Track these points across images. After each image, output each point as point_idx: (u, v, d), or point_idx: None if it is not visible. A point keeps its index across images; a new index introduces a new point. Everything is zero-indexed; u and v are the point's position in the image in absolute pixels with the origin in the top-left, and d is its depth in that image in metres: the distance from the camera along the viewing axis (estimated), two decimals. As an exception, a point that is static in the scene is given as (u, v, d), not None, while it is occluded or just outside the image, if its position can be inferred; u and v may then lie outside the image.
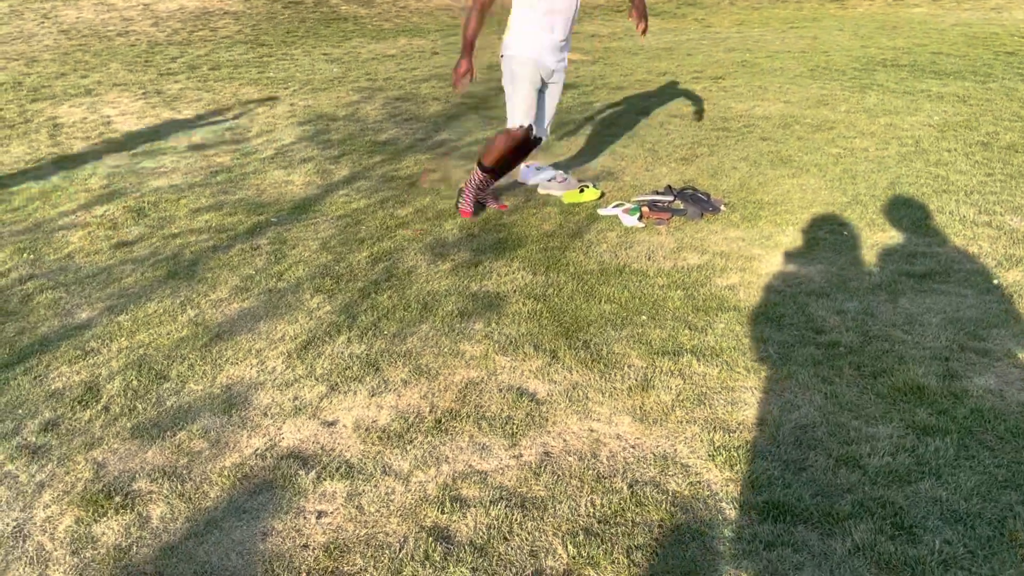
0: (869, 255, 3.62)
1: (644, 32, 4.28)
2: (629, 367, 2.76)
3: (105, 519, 2.12)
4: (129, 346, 3.03)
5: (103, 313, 3.32)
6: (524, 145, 4.20)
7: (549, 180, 4.75)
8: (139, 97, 7.76)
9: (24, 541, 2.05)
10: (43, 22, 12.70)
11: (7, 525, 2.11)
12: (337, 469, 2.28)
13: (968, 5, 14.42)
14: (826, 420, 2.40)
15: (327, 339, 3.02)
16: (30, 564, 1.98)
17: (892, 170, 4.77)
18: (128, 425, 2.53)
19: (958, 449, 2.23)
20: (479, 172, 4.26)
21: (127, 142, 6.18)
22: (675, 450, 2.31)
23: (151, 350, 2.99)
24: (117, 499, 2.19)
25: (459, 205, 4.36)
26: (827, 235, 3.86)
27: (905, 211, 4.11)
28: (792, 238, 3.84)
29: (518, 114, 4.09)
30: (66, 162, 5.66)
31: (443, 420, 2.49)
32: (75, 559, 1.99)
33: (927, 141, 5.36)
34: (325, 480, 2.24)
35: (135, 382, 2.77)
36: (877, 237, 3.81)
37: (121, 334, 3.13)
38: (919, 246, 3.68)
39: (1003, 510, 2.00)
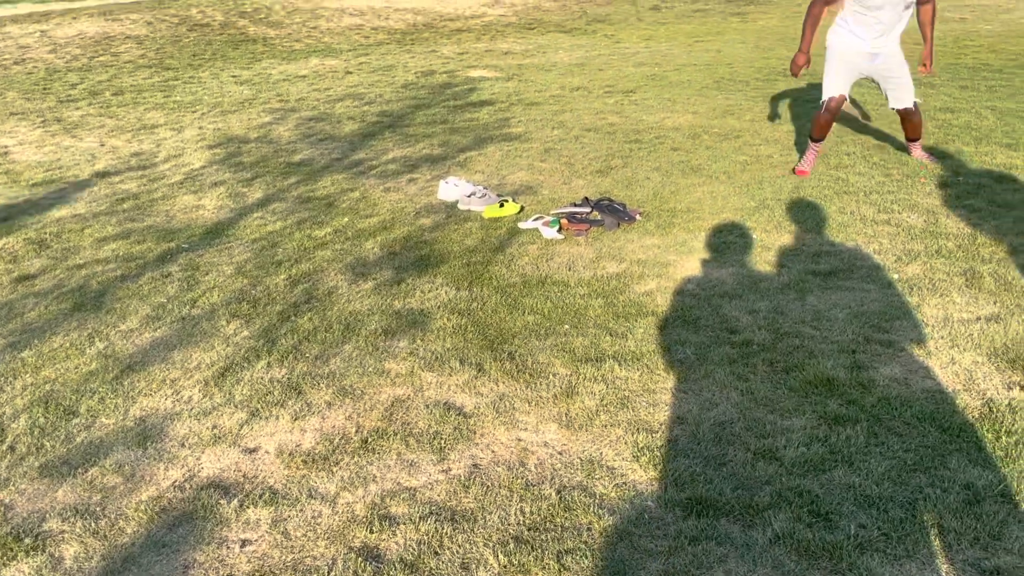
0: (777, 256, 3.75)
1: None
2: (554, 375, 2.78)
3: (15, 563, 2.02)
4: (34, 383, 2.90)
5: (5, 350, 3.17)
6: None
7: (469, 196, 4.77)
8: (38, 126, 7.47)
9: (-75, 593, 1.94)
10: (-70, 50, 12.11)
11: (-95, 578, 1.99)
12: (260, 496, 2.23)
13: (860, 17, 15.13)
14: (743, 416, 2.47)
15: (246, 365, 2.96)
16: (-68, 617, 1.87)
17: (796, 175, 4.96)
18: (36, 464, 2.42)
19: (868, 436, 2.33)
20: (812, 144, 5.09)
21: (26, 172, 5.94)
22: (601, 453, 2.34)
23: (58, 385, 2.87)
24: (27, 541, 2.09)
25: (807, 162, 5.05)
26: (737, 239, 3.98)
27: (809, 213, 4.28)
28: (705, 243, 3.95)
29: (826, 90, 5.00)
30: (-40, 195, 5.39)
31: (370, 440, 2.46)
32: (-18, 608, 1.89)
33: (827, 146, 5.59)
34: (248, 508, 2.18)
35: (42, 419, 2.65)
36: (784, 239, 3.95)
37: (25, 371, 2.99)
38: (824, 246, 3.83)
39: (913, 493, 2.09)
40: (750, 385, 2.65)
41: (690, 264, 3.71)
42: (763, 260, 3.71)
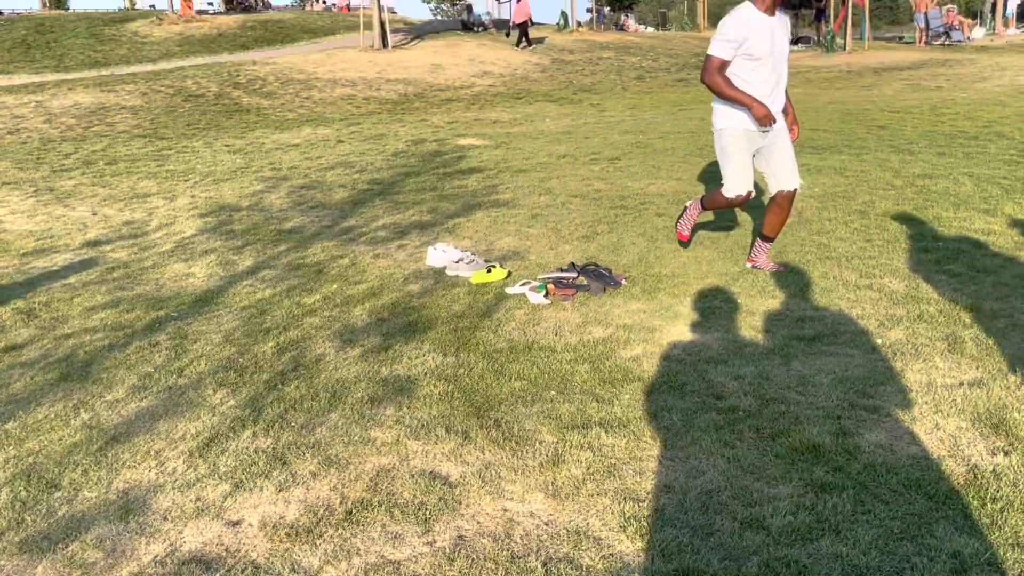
0: (762, 321, 3.78)
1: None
2: (540, 443, 2.78)
3: (-12, 644, 1.97)
4: (17, 455, 2.87)
5: (-11, 421, 3.14)
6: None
7: (457, 261, 4.82)
8: (30, 195, 7.54)
9: None
10: (-74, 121, 12.26)
11: None
12: (243, 571, 2.20)
13: (841, 84, 15.57)
14: (730, 484, 2.46)
15: (231, 435, 2.94)
16: None
17: (779, 240, 5.04)
18: (16, 539, 2.38)
19: (855, 504, 2.32)
20: (694, 208, 4.70)
21: (16, 241, 5.97)
22: (587, 524, 2.32)
23: (41, 457, 2.85)
24: (2, 621, 2.05)
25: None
26: (722, 304, 4.02)
27: (793, 278, 4.34)
28: (690, 308, 3.99)
29: (729, 184, 4.38)
30: (-51, 264, 5.41)
31: (354, 511, 2.44)
32: None
33: (809, 211, 5.70)
34: (230, 582, 2.15)
35: (24, 493, 2.62)
36: (768, 304, 4.00)
37: (9, 443, 2.97)
38: (807, 311, 3.87)
39: (900, 562, 2.08)
40: (736, 452, 2.65)
41: (676, 329, 3.74)
42: (748, 325, 3.74)
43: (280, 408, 3.13)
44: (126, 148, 10.29)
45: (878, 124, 9.72)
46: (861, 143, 8.42)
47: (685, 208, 4.75)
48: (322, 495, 2.54)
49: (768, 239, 4.51)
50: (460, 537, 2.30)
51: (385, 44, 20.83)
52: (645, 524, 2.29)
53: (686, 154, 8.25)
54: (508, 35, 23.77)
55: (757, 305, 3.99)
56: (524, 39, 22.24)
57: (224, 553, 2.28)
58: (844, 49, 20.84)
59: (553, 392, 3.17)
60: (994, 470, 2.46)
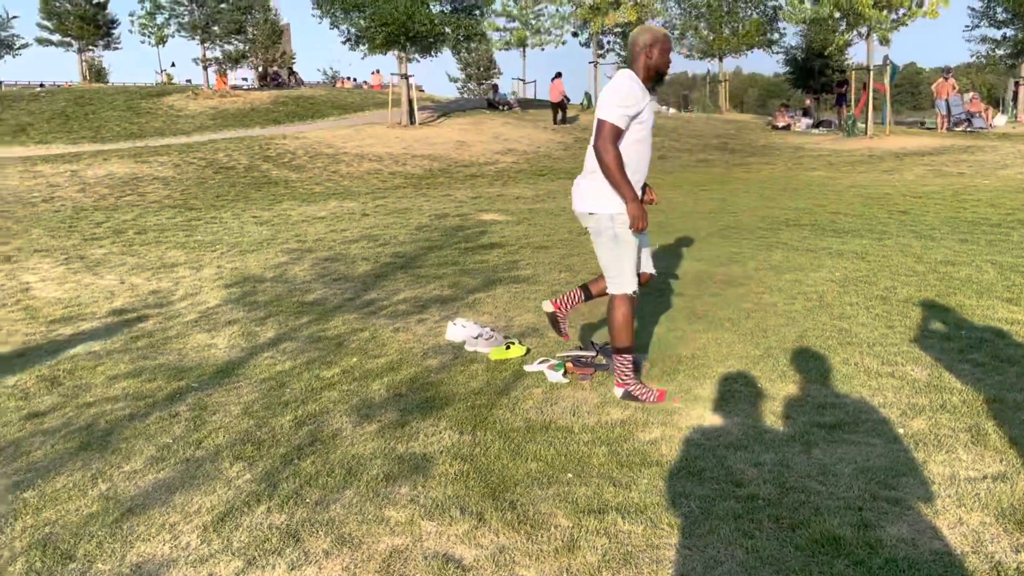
0: (782, 407, 3.75)
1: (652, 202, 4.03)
2: (555, 527, 2.75)
3: None
4: (34, 524, 2.88)
5: (8, 490, 3.16)
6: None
7: (476, 337, 4.84)
8: (60, 263, 7.71)
9: None
10: (-34, 188, 12.65)
11: None
12: (252, 651, 2.17)
13: (862, 168, 15.70)
14: (749, 576, 2.42)
15: (246, 509, 2.94)
16: None
17: (800, 324, 5.03)
18: (26, 612, 2.37)
19: (876, 601, 2.27)
20: (622, 358, 3.90)
21: (45, 308, 6.09)
22: (602, 614, 2.28)
23: (58, 528, 2.85)
24: None
25: (649, 400, 3.84)
26: (742, 387, 4.00)
27: (813, 363, 4.31)
28: (710, 391, 3.97)
29: (629, 278, 3.85)
30: (-21, 329, 5.51)
31: (365, 592, 2.42)
32: None
33: (830, 296, 5.70)
34: (239, 664, 2.12)
35: (39, 563, 2.62)
36: (789, 389, 3.97)
37: (27, 512, 2.98)
38: (828, 397, 3.84)
39: (924, 662, 2.02)
40: (755, 543, 2.60)
41: (695, 412, 3.72)
42: (768, 410, 3.72)
43: (295, 483, 3.13)
44: (156, 218, 10.53)
45: (900, 209, 9.76)
46: (883, 228, 8.45)
47: (619, 375, 3.96)
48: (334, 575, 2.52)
49: (586, 299, 4.23)
50: (472, 624, 2.26)
51: (412, 121, 21.37)
52: (661, 616, 2.25)
53: (707, 235, 8.31)
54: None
55: (777, 390, 3.96)
56: (561, 116, 23.09)
57: (234, 633, 2.25)
58: (865, 134, 21.09)
59: (570, 474, 3.15)
60: (1018, 567, 2.39)
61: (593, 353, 4.49)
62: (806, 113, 26.99)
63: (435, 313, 5.66)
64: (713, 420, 3.62)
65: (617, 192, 3.70)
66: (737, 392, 3.95)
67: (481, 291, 6.26)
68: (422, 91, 32.65)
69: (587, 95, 29.04)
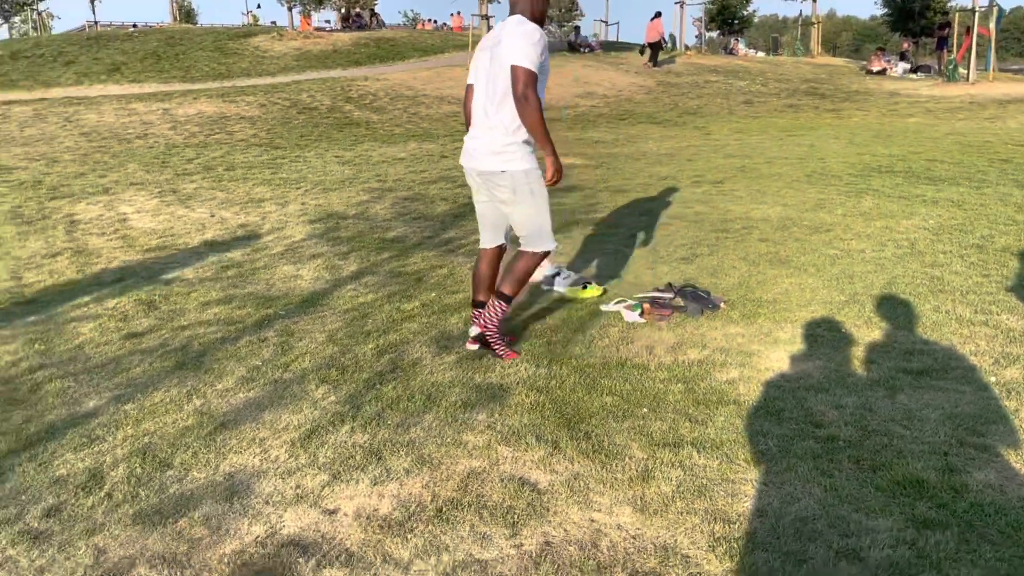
0: (866, 352, 3.66)
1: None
2: (630, 458, 2.77)
3: (103, 605, 2.11)
4: (135, 434, 3.06)
5: (110, 402, 3.36)
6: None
7: (552, 277, 4.86)
8: (155, 196, 8.00)
9: (20, 627, 2.04)
10: (65, 125, 13.19)
11: (4, 610, 2.10)
12: (337, 557, 2.28)
13: (962, 115, 14.92)
14: (826, 513, 2.40)
15: (331, 428, 3.05)
16: (25, 650, 1.96)
17: (889, 270, 4.87)
18: (130, 512, 2.53)
19: (959, 543, 2.23)
20: (503, 304, 3.72)
21: (141, 238, 6.35)
22: (675, 541, 2.30)
23: (156, 438, 3.02)
24: (116, 585, 2.18)
25: (500, 355, 3.70)
26: (825, 332, 3.92)
27: (902, 310, 4.18)
28: (791, 335, 3.90)
29: (549, 235, 3.69)
30: (81, 257, 5.80)
31: (444, 509, 2.50)
32: (71, 645, 1.97)
33: (923, 243, 5.49)
34: (324, 568, 2.23)
35: (139, 469, 2.79)
36: (874, 335, 3.87)
37: (127, 423, 3.16)
38: (916, 344, 3.73)
39: (1006, 605, 1.98)
40: (834, 481, 2.58)
41: (775, 355, 3.67)
42: (852, 355, 3.63)
43: (377, 407, 3.23)
44: (243, 155, 10.80)
45: (1001, 157, 9.27)
46: (981, 176, 8.05)
47: (487, 314, 3.71)
48: (414, 492, 2.60)
49: (506, 296, 3.73)
50: (547, 543, 2.32)
51: (492, 63, 21.18)
52: (735, 546, 2.26)
53: (793, 180, 8.07)
54: (642, 52, 24.01)
55: (863, 335, 3.86)
56: (654, 58, 22.61)
57: (320, 539, 2.37)
58: (967, 79, 19.96)
59: (645, 409, 3.16)
60: (1116, 520, 2.31)
61: (671, 295, 4.45)
62: (903, 57, 25.69)
63: (511, 253, 5.67)
64: (793, 363, 3.57)
65: (541, 144, 3.43)
66: (820, 336, 3.87)
67: (558, 233, 6.24)
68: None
69: (672, 36, 28.24)
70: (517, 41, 3.37)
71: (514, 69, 3.35)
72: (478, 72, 3.60)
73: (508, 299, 3.71)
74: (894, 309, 4.20)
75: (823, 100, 18.31)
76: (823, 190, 7.48)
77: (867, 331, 3.92)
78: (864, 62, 26.31)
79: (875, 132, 12.48)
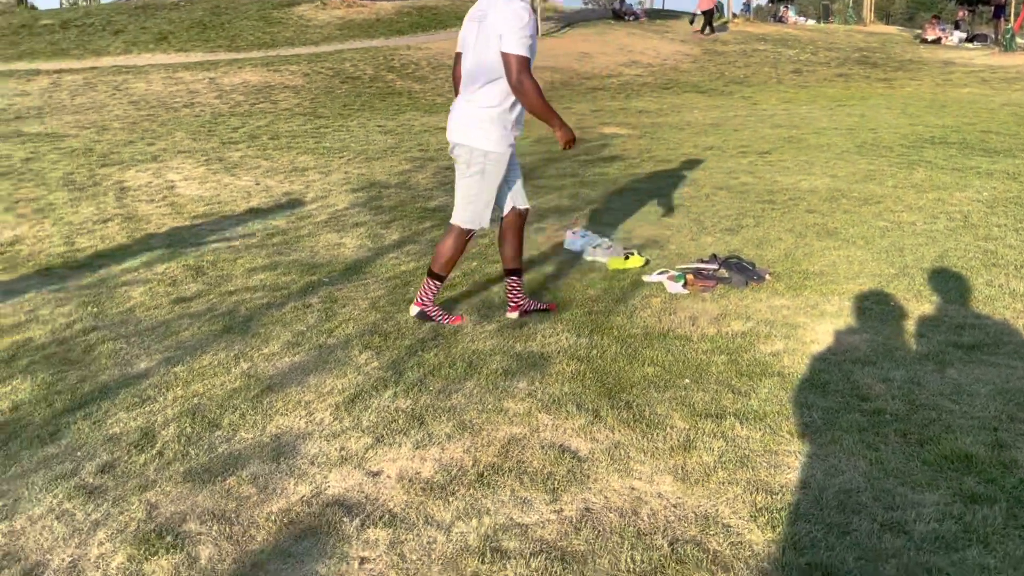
0: (916, 325, 3.59)
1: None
2: (671, 428, 2.77)
3: (155, 558, 2.18)
4: (184, 395, 3.13)
5: (160, 364, 3.44)
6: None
7: (595, 247, 4.83)
8: (202, 164, 8.12)
9: (78, 576, 2.12)
10: (115, 93, 13.41)
11: (63, 560, 2.18)
12: (380, 518, 2.32)
13: (1019, 86, 14.43)
14: (871, 485, 2.37)
15: (374, 393, 3.09)
16: (82, 598, 2.04)
17: (940, 243, 4.76)
18: (180, 469, 2.60)
19: (1007, 518, 2.19)
20: (433, 282, 3.81)
21: (189, 205, 6.46)
22: (717, 510, 2.30)
23: (205, 399, 3.09)
24: (168, 539, 2.25)
25: (444, 322, 3.81)
26: (873, 305, 3.85)
27: (953, 283, 4.09)
28: (838, 307, 3.84)
29: (480, 217, 3.74)
30: (131, 223, 5.92)
31: (485, 474, 2.52)
32: (125, 595, 2.04)
33: (976, 216, 5.34)
34: (368, 528, 2.27)
35: (188, 429, 2.86)
36: (924, 308, 3.79)
37: (177, 384, 3.24)
38: (967, 318, 3.65)
39: (1056, 582, 1.95)
40: (880, 455, 2.54)
41: (821, 327, 3.62)
42: (901, 328, 3.57)
43: (420, 373, 3.26)
44: (287, 125, 10.88)
45: (1061, 128, 8.96)
46: (1040, 147, 7.79)
47: (424, 291, 3.83)
48: (456, 456, 2.63)
49: (519, 272, 3.89)
50: (587, 509, 2.33)
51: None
52: (777, 516, 2.25)
53: (842, 151, 7.89)
54: (692, 21, 23.63)
55: (912, 308, 3.79)
56: (708, 26, 22.19)
57: (364, 500, 2.41)
58: (1026, 48, 19.26)
59: (687, 380, 3.14)
60: None
61: (716, 266, 4.40)
62: (958, 26, 24.85)
63: (553, 223, 5.66)
64: (840, 336, 3.51)
65: (548, 120, 3.51)
66: (868, 309, 3.80)
67: (601, 203, 6.21)
68: (546, 1, 31.90)
69: (719, 3, 27.61)
70: (506, 26, 3.38)
71: (506, 58, 3.38)
72: (466, 43, 3.62)
73: (440, 278, 3.80)
74: (945, 282, 4.11)
75: (875, 69, 17.83)
76: (873, 161, 7.31)
77: (917, 304, 3.84)
78: (918, 30, 25.51)
79: (928, 102, 12.14)
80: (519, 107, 3.56)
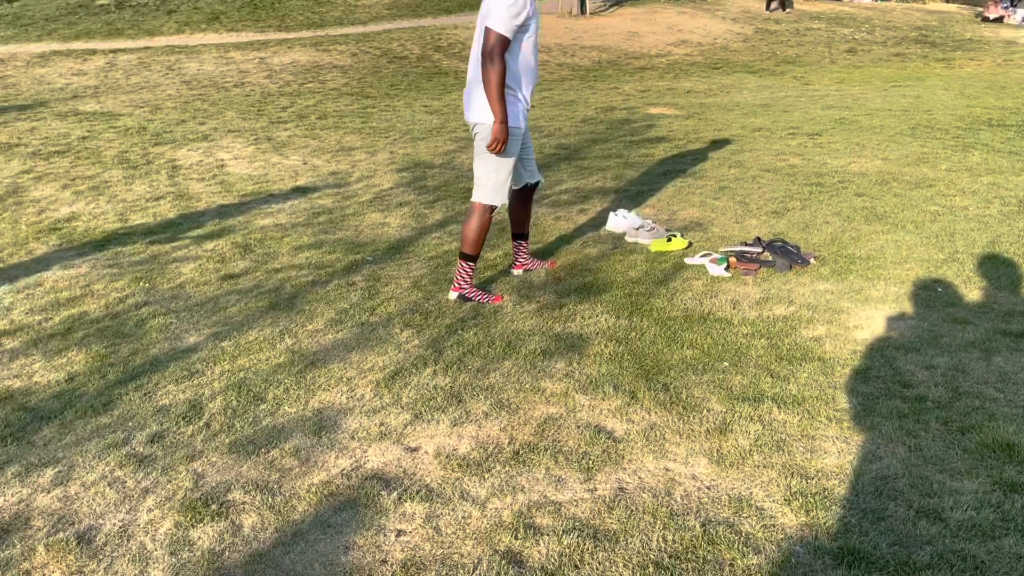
0: (964, 312, 3.53)
1: None
2: (708, 411, 2.77)
3: (201, 525, 2.26)
4: (231, 369, 3.22)
5: (208, 338, 3.54)
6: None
7: (637, 228, 4.82)
8: (251, 143, 8.25)
9: (128, 540, 2.21)
10: (168, 73, 13.67)
11: (114, 525, 2.28)
12: (417, 492, 2.37)
13: (1085, 65, 13.90)
14: (908, 472, 2.35)
15: (414, 371, 3.15)
16: (132, 562, 2.13)
17: (993, 229, 4.64)
18: (226, 441, 2.69)
19: (1049, 509, 2.16)
20: (465, 264, 3.89)
21: (238, 183, 6.59)
22: (751, 493, 2.30)
23: (250, 374, 3.18)
24: (213, 507, 2.33)
25: (484, 301, 3.87)
26: (920, 291, 3.78)
27: (1005, 270, 3.99)
28: (883, 293, 3.78)
29: (499, 191, 3.84)
30: (182, 201, 6.07)
31: (521, 452, 2.56)
32: (173, 559, 2.13)
33: (1032, 200, 5.19)
34: (406, 501, 2.33)
35: (235, 402, 2.95)
36: (973, 295, 3.71)
37: (224, 358, 3.33)
38: (1018, 305, 3.56)
39: (1097, 574, 1.92)
40: (919, 442, 2.52)
41: (865, 313, 3.57)
42: (947, 315, 3.50)
43: (459, 352, 3.31)
44: (335, 105, 10.99)
45: None
46: (1104, 130, 7.52)
47: (458, 275, 3.92)
48: (492, 434, 2.67)
49: (526, 236, 4.24)
50: (621, 489, 2.35)
51: (583, 10, 20.80)
52: (812, 501, 2.25)
53: (896, 133, 7.71)
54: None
55: (960, 295, 3.72)
56: (783, 4, 21.82)
57: (402, 474, 2.46)
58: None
59: (726, 363, 3.13)
60: None
61: (759, 249, 4.36)
62: (1019, 2, 23.93)
63: (597, 204, 5.65)
64: (884, 322, 3.46)
65: (492, 109, 3.56)
66: (914, 295, 3.74)
67: (645, 184, 6.17)
68: (595, -20, 31.50)
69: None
70: (496, 4, 3.50)
71: (487, 32, 3.51)
72: (476, 33, 3.76)
73: (471, 258, 3.89)
74: (996, 269, 4.01)
75: (933, 49, 17.31)
76: (927, 144, 7.13)
77: (965, 291, 3.76)
78: (980, 8, 24.67)
79: (987, 83, 11.76)
80: (527, 86, 3.70)
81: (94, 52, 15.96)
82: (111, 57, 15.13)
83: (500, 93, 3.53)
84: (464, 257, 3.87)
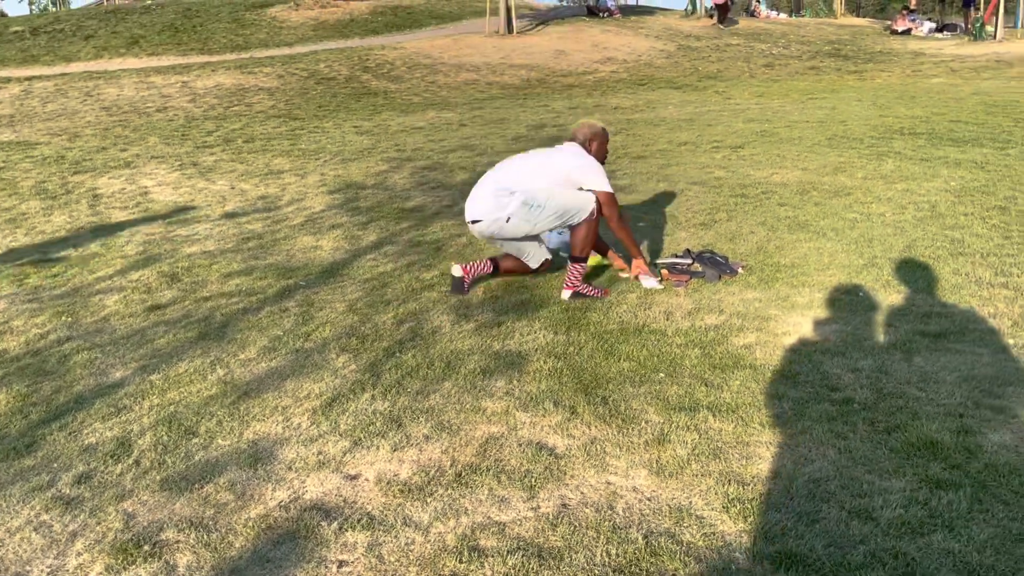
0: (884, 315, 3.66)
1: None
2: (646, 422, 2.81)
3: (134, 567, 2.19)
4: (160, 403, 3.13)
5: (136, 372, 3.44)
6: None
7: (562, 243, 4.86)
8: (175, 169, 8.07)
9: (56, 587, 2.12)
10: (86, 99, 13.29)
11: (41, 572, 2.18)
12: (359, 520, 2.34)
13: (988, 75, 14.64)
14: (839, 474, 2.43)
15: (351, 396, 3.11)
16: (61, 609, 2.04)
17: (908, 233, 4.84)
18: (157, 478, 2.61)
19: (971, 503, 2.24)
20: (578, 266, 4.16)
21: (163, 211, 6.43)
22: (690, 502, 2.34)
23: (181, 407, 3.09)
24: (146, 548, 2.26)
25: (596, 295, 4.13)
26: (843, 296, 3.91)
27: (921, 273, 4.16)
28: (808, 299, 3.90)
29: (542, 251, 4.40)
30: (104, 231, 5.89)
31: (463, 474, 2.55)
32: (104, 604, 2.05)
33: (944, 206, 5.43)
34: (347, 531, 2.29)
35: (165, 437, 2.86)
36: (892, 298, 3.86)
37: (153, 392, 3.24)
38: (934, 306, 3.72)
39: (1017, 563, 2.01)
40: (848, 443, 2.60)
41: (792, 319, 3.67)
42: (869, 318, 3.63)
43: (397, 374, 3.28)
44: (262, 127, 10.84)
45: (1027, 116, 9.09)
46: (1007, 137, 7.92)
47: (570, 276, 4.18)
48: (434, 457, 2.66)
49: (499, 273, 4.43)
50: (564, 505, 2.36)
51: (510, 30, 21.01)
52: (749, 506, 2.29)
53: (813, 144, 7.98)
54: (705, 14, 24.52)
55: (880, 299, 3.86)
56: (721, 19, 22.66)
57: (342, 503, 2.43)
58: (994, 38, 19.51)
59: (662, 374, 3.18)
60: None
61: (689, 260, 4.45)
62: (909, 11, 25.08)
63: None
64: (810, 327, 3.57)
65: (630, 248, 4.26)
66: (837, 300, 3.87)
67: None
68: (520, -1, 31.85)
69: (692, 0, 27.74)
70: (587, 169, 4.16)
71: (604, 196, 4.11)
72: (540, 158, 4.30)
73: (579, 260, 4.17)
74: (913, 272, 4.18)
75: (846, 62, 18.00)
76: (843, 153, 7.40)
77: (885, 294, 3.91)
78: (889, 22, 25.77)
79: (898, 93, 12.28)
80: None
81: (8, 80, 15.42)
82: (26, 85, 14.64)
83: (632, 237, 4.23)
84: (573, 259, 4.16)
